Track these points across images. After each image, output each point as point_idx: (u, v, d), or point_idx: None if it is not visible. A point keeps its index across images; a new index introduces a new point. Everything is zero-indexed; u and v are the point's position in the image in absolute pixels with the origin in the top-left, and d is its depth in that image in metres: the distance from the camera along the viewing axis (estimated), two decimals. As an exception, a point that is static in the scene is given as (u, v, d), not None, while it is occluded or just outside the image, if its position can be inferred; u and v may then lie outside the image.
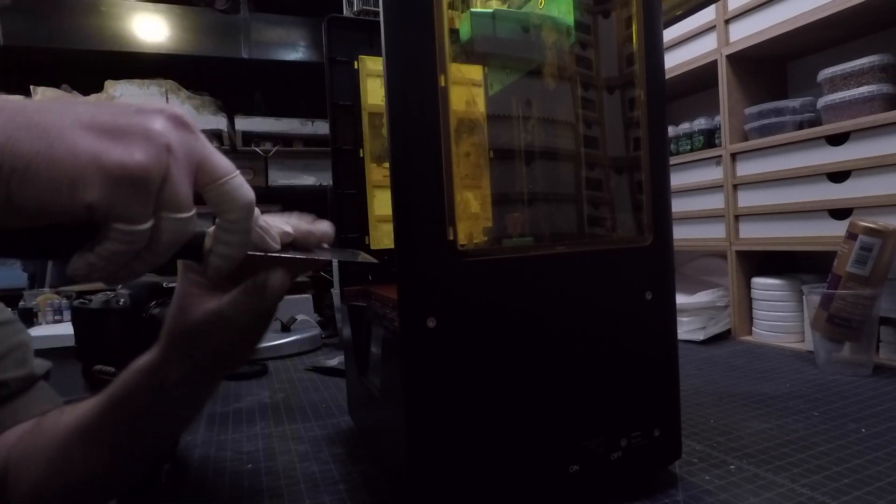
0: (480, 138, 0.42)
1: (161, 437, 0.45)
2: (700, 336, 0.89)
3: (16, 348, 0.42)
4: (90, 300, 0.49)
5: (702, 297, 0.93)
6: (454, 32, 0.41)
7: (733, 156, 0.92)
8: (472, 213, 0.41)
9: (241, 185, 0.28)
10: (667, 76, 0.46)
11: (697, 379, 0.68)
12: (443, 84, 0.30)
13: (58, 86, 1.89)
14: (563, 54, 0.41)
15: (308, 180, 2.10)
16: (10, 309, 0.44)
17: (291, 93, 2.33)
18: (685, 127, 1.06)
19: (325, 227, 0.33)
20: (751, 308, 0.92)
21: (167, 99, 1.94)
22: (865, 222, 0.68)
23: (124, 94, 1.91)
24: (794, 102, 0.86)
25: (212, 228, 0.30)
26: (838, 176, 0.76)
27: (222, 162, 0.27)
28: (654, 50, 0.38)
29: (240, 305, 0.33)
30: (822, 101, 0.80)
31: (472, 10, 0.40)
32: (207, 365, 0.39)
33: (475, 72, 0.46)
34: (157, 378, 0.39)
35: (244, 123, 2.05)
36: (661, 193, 0.38)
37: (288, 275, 0.31)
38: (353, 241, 0.54)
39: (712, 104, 0.98)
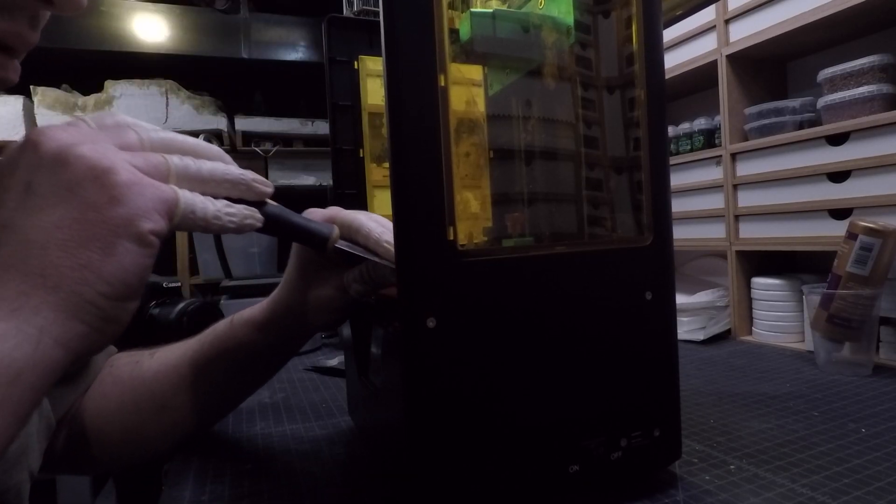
0: (480, 138, 0.42)
1: (245, 392, 0.50)
2: (700, 336, 0.89)
3: None
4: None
5: (702, 297, 0.93)
6: (454, 32, 0.41)
7: (733, 156, 0.92)
8: (472, 213, 0.41)
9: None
10: (667, 76, 0.45)
11: (697, 379, 0.68)
12: (443, 84, 0.30)
13: (58, 86, 1.89)
14: (563, 54, 0.41)
15: (308, 180, 2.10)
16: None
17: (291, 93, 2.33)
18: (685, 127, 1.06)
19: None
20: (751, 308, 0.92)
21: (167, 99, 1.94)
22: (865, 222, 0.68)
23: (124, 93, 1.91)
24: (794, 102, 0.86)
25: (336, 231, 0.38)
26: (838, 176, 0.76)
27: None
28: (654, 50, 0.38)
29: (359, 289, 0.40)
30: (822, 101, 0.80)
31: (472, 10, 0.40)
32: (306, 333, 0.44)
33: (475, 72, 0.46)
34: (262, 335, 0.44)
35: (244, 123, 2.05)
36: (661, 193, 0.38)
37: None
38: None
39: (712, 104, 0.98)
